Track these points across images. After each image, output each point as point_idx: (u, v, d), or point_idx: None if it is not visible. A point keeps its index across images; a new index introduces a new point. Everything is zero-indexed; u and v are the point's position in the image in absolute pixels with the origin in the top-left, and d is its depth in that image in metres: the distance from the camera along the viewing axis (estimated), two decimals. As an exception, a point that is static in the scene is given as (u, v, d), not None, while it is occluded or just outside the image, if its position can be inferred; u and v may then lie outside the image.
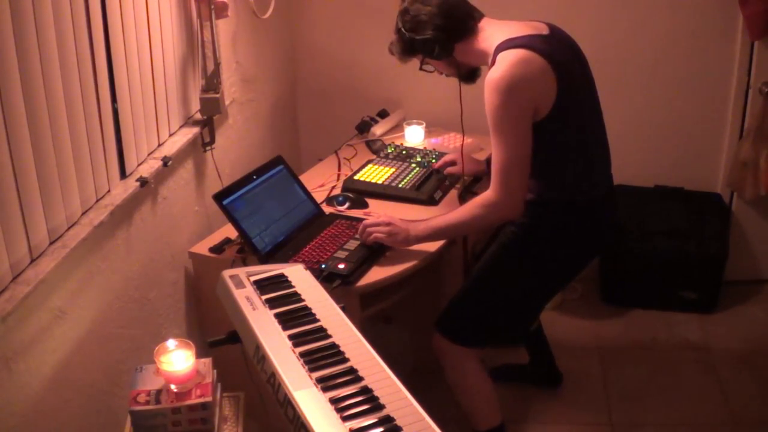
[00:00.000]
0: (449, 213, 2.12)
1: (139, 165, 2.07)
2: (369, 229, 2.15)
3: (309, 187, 2.44)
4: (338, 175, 2.73)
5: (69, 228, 1.75)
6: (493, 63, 1.97)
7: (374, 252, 2.15)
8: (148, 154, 2.13)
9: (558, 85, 1.94)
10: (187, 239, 2.34)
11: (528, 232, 2.13)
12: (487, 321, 2.21)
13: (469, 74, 2.22)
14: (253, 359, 1.43)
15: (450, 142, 2.96)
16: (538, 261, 2.14)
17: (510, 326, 2.30)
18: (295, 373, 1.33)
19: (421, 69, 2.25)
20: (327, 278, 2.00)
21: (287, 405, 1.27)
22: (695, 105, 3.17)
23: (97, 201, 1.88)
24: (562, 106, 1.96)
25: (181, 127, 2.34)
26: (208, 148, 2.45)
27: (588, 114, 2.12)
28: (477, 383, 2.27)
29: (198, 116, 2.42)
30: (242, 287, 1.61)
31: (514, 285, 2.17)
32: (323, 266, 2.06)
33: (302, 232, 2.27)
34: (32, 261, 1.62)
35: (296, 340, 1.44)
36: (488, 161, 2.49)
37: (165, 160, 2.12)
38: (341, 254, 2.11)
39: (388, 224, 2.15)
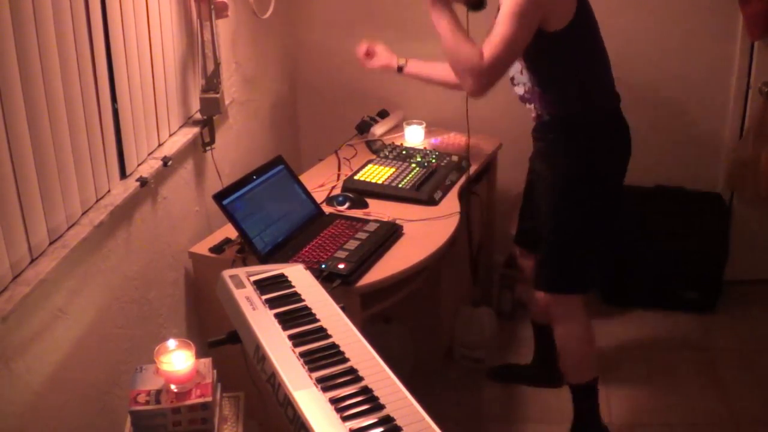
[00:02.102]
0: (462, 33, 2.11)
1: (139, 165, 2.07)
2: None
3: (309, 187, 2.44)
4: (338, 175, 2.73)
5: (69, 228, 1.75)
6: None
7: (374, 252, 2.15)
8: (148, 154, 2.13)
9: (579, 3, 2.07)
10: (187, 239, 2.34)
11: (571, 155, 2.22)
12: (583, 260, 2.31)
13: (477, 1, 2.26)
14: (253, 359, 1.42)
15: (450, 142, 2.96)
16: (591, 174, 2.22)
17: (601, 256, 2.40)
18: (295, 373, 1.33)
19: None
20: (327, 278, 2.00)
21: (287, 405, 1.26)
22: (695, 105, 3.18)
23: (97, 201, 1.88)
24: (582, 17, 2.08)
25: (181, 127, 2.34)
26: (208, 148, 2.45)
27: (599, 35, 2.21)
28: (589, 332, 2.40)
29: (198, 116, 2.42)
30: (242, 287, 1.60)
31: (587, 210, 2.24)
32: (323, 266, 2.06)
33: (302, 232, 2.27)
34: (32, 261, 1.62)
35: (296, 340, 1.44)
36: (402, 63, 2.72)
37: (165, 160, 2.12)
38: (341, 254, 2.11)
39: None
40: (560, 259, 2.33)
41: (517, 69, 2.30)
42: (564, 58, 2.13)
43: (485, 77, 2.05)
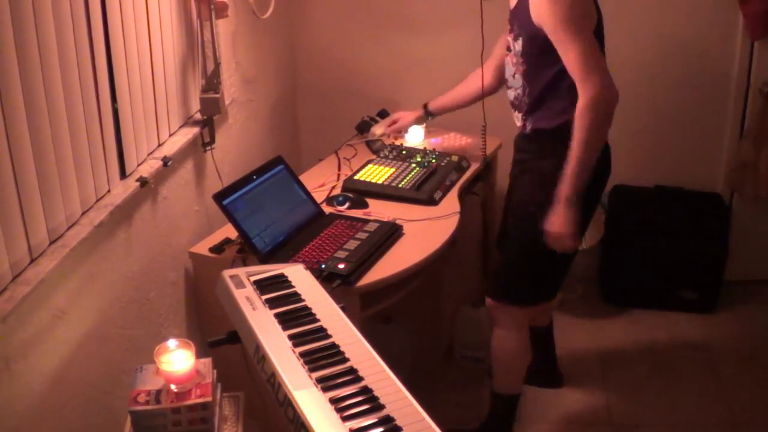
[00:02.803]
0: (569, 153, 2.04)
1: (139, 165, 2.07)
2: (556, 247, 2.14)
3: (309, 187, 2.44)
4: (338, 175, 2.73)
5: (69, 228, 1.75)
6: None
7: (374, 252, 2.15)
8: (148, 154, 2.13)
9: (596, 6, 2.06)
10: (187, 239, 2.34)
11: (546, 171, 2.14)
12: (541, 276, 2.27)
13: None
14: (253, 359, 1.43)
15: (450, 142, 2.96)
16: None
17: (555, 273, 2.33)
18: (295, 373, 1.33)
19: None
20: (327, 278, 2.00)
21: (287, 405, 1.27)
22: (695, 105, 3.18)
23: (97, 201, 1.88)
24: (600, 27, 2.08)
25: (181, 127, 2.34)
26: (208, 148, 2.45)
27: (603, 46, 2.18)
28: (522, 349, 2.38)
29: (198, 116, 2.42)
30: (242, 287, 1.60)
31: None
32: (323, 266, 2.06)
33: (302, 232, 2.27)
34: (32, 261, 1.62)
35: (296, 340, 1.44)
36: (425, 107, 2.76)
37: (165, 160, 2.12)
38: (341, 254, 2.11)
39: (551, 237, 2.12)
40: (516, 271, 2.31)
41: (510, 72, 2.25)
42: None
43: (606, 85, 1.98)
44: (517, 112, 2.26)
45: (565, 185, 2.06)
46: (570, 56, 1.99)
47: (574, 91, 2.03)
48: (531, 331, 2.71)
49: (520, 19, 2.12)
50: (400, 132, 2.90)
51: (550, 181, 2.10)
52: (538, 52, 2.09)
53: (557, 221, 2.09)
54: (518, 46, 2.15)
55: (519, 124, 2.27)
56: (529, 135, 2.24)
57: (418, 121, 2.84)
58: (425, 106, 2.77)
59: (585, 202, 2.15)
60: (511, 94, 2.27)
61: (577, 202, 2.07)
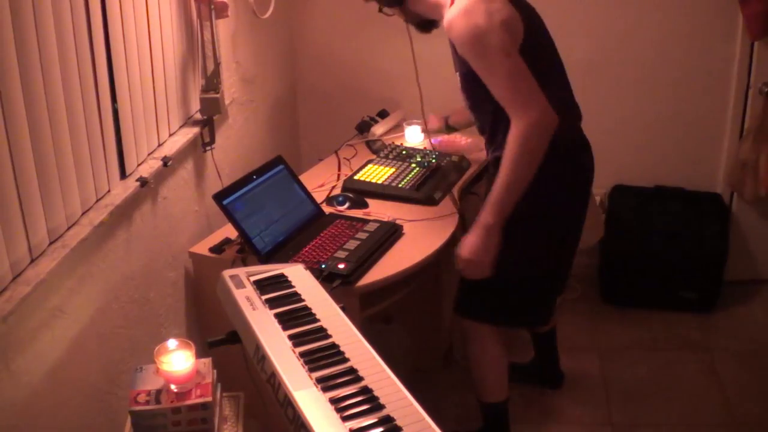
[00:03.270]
0: (495, 181, 1.98)
1: (139, 165, 2.07)
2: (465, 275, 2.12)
3: (309, 187, 2.44)
4: (338, 175, 2.73)
5: (69, 228, 1.75)
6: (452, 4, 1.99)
7: (374, 252, 2.15)
8: (148, 154, 2.13)
9: (522, 16, 1.95)
10: (187, 239, 2.34)
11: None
12: (500, 297, 2.20)
13: (425, 24, 2.25)
14: (253, 359, 1.43)
15: (450, 142, 2.96)
16: (537, 216, 2.06)
17: (526, 302, 2.24)
18: (295, 373, 1.33)
19: (380, 11, 2.29)
20: (327, 278, 2.00)
21: (287, 405, 1.27)
22: (695, 105, 3.18)
23: (97, 201, 1.87)
24: (531, 40, 1.95)
25: (181, 127, 2.34)
26: (208, 148, 2.45)
27: (555, 60, 2.10)
28: (494, 360, 2.32)
29: (198, 116, 2.42)
30: (242, 287, 1.61)
31: (522, 251, 2.09)
32: (323, 266, 2.06)
33: (302, 232, 2.27)
34: (32, 261, 1.62)
35: (296, 340, 1.44)
36: (446, 120, 2.82)
37: (165, 160, 2.12)
38: (341, 254, 2.12)
39: (461, 260, 2.08)
40: (473, 286, 2.19)
41: (466, 105, 2.20)
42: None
43: (538, 111, 1.90)
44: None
45: (488, 212, 2.00)
46: (495, 87, 1.93)
47: None
48: (534, 334, 2.71)
49: (454, 55, 2.09)
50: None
51: (519, 209, 2.03)
52: (475, 86, 2.02)
53: (472, 247, 2.03)
54: (459, 82, 2.13)
55: (486, 152, 2.25)
56: (493, 163, 2.15)
57: (440, 131, 2.89)
58: (446, 120, 2.84)
59: (556, 220, 2.12)
60: (477, 123, 2.23)
61: (498, 231, 2.01)
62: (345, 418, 1.22)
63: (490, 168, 2.21)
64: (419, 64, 3.26)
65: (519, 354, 2.91)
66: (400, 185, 2.55)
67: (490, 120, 2.09)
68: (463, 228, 2.40)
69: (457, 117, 2.82)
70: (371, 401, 1.27)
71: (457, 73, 2.14)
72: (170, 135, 2.27)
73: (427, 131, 2.86)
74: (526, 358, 2.81)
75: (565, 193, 2.13)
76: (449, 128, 2.88)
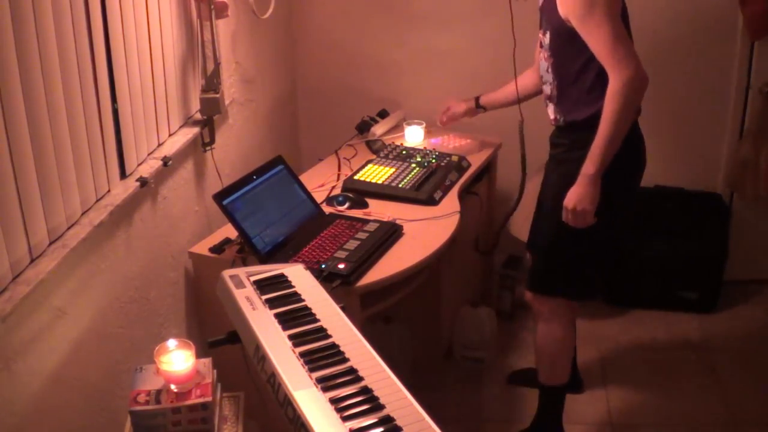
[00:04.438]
0: (596, 134, 2.08)
1: (139, 165, 2.07)
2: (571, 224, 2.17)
3: (309, 187, 2.44)
4: (338, 175, 2.73)
5: (69, 228, 1.75)
6: None
7: (374, 252, 2.15)
8: (148, 154, 2.13)
9: None
10: (187, 239, 2.34)
11: (582, 160, 2.12)
12: (574, 265, 2.28)
13: None
14: (253, 359, 1.43)
15: (450, 143, 2.96)
16: (607, 184, 2.13)
17: (597, 267, 2.35)
18: (295, 373, 1.33)
19: None
20: (327, 278, 2.00)
21: (287, 405, 1.27)
22: (695, 105, 3.18)
23: (97, 201, 1.88)
24: (624, 12, 2.11)
25: (181, 127, 2.34)
26: (208, 148, 2.45)
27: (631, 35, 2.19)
28: (567, 340, 2.39)
29: (198, 116, 2.42)
30: (242, 287, 1.60)
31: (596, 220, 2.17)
32: (323, 266, 2.06)
33: (302, 232, 2.27)
34: (32, 261, 1.62)
35: (296, 340, 1.44)
36: (476, 100, 2.76)
37: (165, 160, 2.12)
38: (341, 254, 2.11)
39: (567, 211, 2.14)
40: (549, 261, 2.33)
41: (543, 67, 2.27)
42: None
43: (635, 71, 2.01)
44: (550, 104, 2.29)
45: (589, 162, 2.09)
46: (599, 42, 2.03)
47: (602, 81, 2.06)
48: None
49: (547, 13, 2.16)
50: (454, 120, 2.87)
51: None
52: (565, 44, 2.12)
53: (577, 197, 2.12)
54: (546, 40, 2.20)
55: (552, 116, 2.29)
56: (562, 127, 2.27)
57: (468, 113, 2.82)
58: (476, 100, 2.78)
59: (619, 192, 2.20)
60: (546, 88, 2.29)
61: (598, 181, 2.10)
62: (345, 418, 1.22)
63: (553, 136, 2.30)
64: (420, 59, 3.27)
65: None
66: (400, 185, 2.55)
67: (570, 80, 2.17)
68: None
69: (488, 97, 2.75)
70: (371, 401, 1.27)
71: (542, 33, 2.23)
72: (170, 135, 2.27)
73: (448, 118, 2.85)
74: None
75: (634, 174, 2.26)
76: (479, 107, 2.78)
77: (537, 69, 2.45)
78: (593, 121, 2.10)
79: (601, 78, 2.07)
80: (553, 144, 2.35)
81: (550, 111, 2.29)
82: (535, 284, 2.38)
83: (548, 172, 2.36)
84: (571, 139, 2.24)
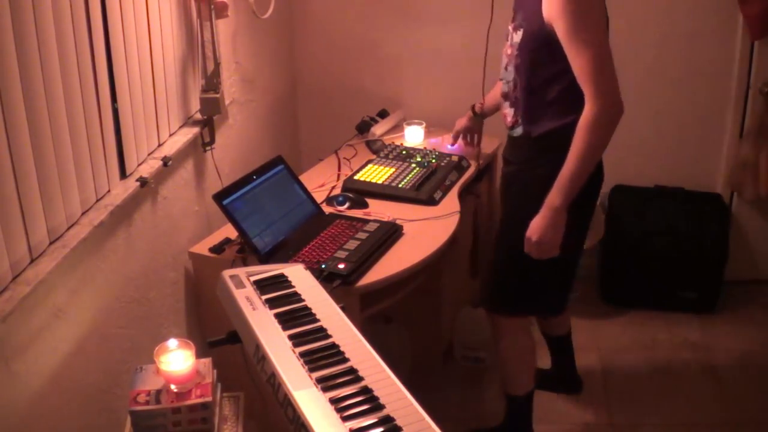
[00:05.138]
0: (565, 161, 1.96)
1: (139, 165, 2.07)
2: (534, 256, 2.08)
3: (309, 187, 2.44)
4: (338, 175, 2.73)
5: (69, 228, 1.75)
6: None
7: (374, 252, 2.15)
8: (148, 154, 2.13)
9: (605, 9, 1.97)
10: (187, 239, 2.34)
11: (541, 177, 2.03)
12: (528, 286, 2.23)
13: None
14: (253, 359, 1.43)
15: (449, 143, 2.96)
16: (572, 213, 2.04)
17: (552, 286, 2.26)
18: (295, 373, 1.33)
19: None
20: (327, 278, 2.00)
21: (287, 405, 1.27)
22: (695, 105, 3.18)
23: (97, 201, 1.87)
24: (607, 23, 1.98)
25: (181, 127, 2.34)
26: (208, 148, 2.45)
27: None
28: (524, 351, 2.36)
29: (198, 116, 2.42)
30: (242, 287, 1.60)
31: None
32: (323, 266, 2.06)
33: (302, 232, 2.27)
34: (32, 261, 1.62)
35: (296, 340, 1.44)
36: (472, 109, 2.69)
37: (165, 160, 2.12)
38: (341, 254, 2.11)
39: (530, 243, 2.05)
40: (500, 280, 2.29)
41: (503, 63, 2.13)
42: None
43: (612, 100, 1.89)
44: (508, 105, 2.16)
45: (556, 193, 1.98)
46: (584, 62, 1.88)
47: (568, 97, 1.96)
48: (549, 339, 2.69)
49: (526, 10, 2.01)
50: (464, 134, 2.82)
51: (539, 191, 2.03)
52: (539, 48, 1.98)
53: (541, 229, 2.02)
54: (516, 37, 2.05)
55: (508, 119, 2.16)
56: (518, 140, 2.15)
57: (473, 124, 2.75)
58: (472, 109, 2.72)
59: (583, 209, 2.12)
60: (504, 86, 2.16)
61: (564, 213, 1.99)
62: (345, 418, 1.22)
63: (508, 151, 2.21)
64: (420, 59, 3.26)
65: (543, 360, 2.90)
66: (400, 185, 2.55)
67: (533, 87, 2.04)
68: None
69: (482, 105, 2.64)
70: (371, 401, 1.27)
71: (513, 27, 2.08)
72: (170, 135, 2.27)
73: (456, 136, 2.82)
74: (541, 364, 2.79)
75: (591, 185, 2.10)
76: (477, 117, 2.71)
77: None
78: (550, 139, 2.02)
79: (569, 94, 1.95)
80: (506, 161, 2.25)
81: (508, 113, 2.17)
82: (488, 304, 2.35)
83: (503, 193, 2.30)
84: (527, 155, 2.13)
